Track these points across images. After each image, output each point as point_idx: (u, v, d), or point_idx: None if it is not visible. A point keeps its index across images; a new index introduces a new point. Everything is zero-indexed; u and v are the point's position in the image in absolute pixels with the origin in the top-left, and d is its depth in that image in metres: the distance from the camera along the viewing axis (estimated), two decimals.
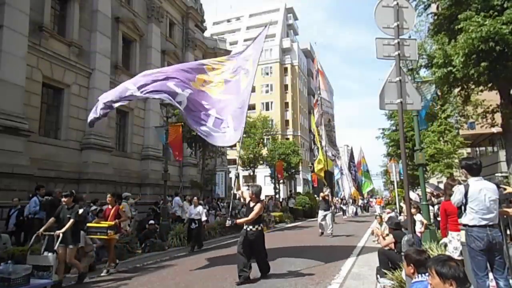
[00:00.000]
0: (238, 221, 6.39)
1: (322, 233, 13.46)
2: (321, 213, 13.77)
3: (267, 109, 49.36)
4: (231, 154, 34.12)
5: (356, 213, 30.45)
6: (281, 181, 29.91)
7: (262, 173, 38.54)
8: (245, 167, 29.75)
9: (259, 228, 6.31)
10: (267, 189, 38.74)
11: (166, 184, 12.59)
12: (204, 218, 10.60)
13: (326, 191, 14.68)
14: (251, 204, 6.35)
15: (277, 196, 28.53)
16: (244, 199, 6.88)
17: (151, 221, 11.41)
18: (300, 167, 32.09)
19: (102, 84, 15.44)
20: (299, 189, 41.13)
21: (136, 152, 18.55)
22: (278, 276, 6.49)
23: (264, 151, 30.05)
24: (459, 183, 4.88)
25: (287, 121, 50.57)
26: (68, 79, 14.24)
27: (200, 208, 10.48)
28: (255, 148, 28.23)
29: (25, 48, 11.89)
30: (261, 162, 29.56)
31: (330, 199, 14.65)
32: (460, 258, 4.62)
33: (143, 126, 19.02)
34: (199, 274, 6.80)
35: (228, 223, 6.94)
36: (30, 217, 9.14)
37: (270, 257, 8.56)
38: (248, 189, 6.62)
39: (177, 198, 15.05)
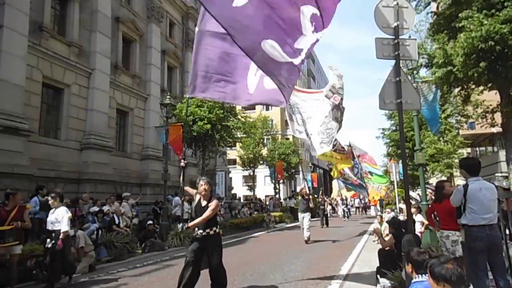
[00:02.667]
0: (191, 224, 4.99)
1: (308, 239, 11.30)
2: (300, 216, 11.64)
3: (267, 109, 49.30)
4: (231, 154, 34.16)
5: (348, 215, 26.86)
6: (281, 181, 29.89)
7: (262, 173, 38.55)
8: (245, 167, 29.79)
9: (216, 230, 5.00)
10: (267, 189, 38.78)
11: (166, 184, 12.59)
12: (65, 227, 6.00)
13: (305, 186, 13.37)
14: (203, 203, 4.97)
15: (277, 196, 28.54)
16: (190, 196, 5.16)
17: (150, 222, 11.42)
18: (300, 167, 32.05)
19: (102, 84, 15.45)
20: (299, 189, 41.14)
21: (136, 152, 18.55)
22: (278, 276, 6.49)
23: (264, 151, 30.09)
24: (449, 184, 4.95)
25: (287, 121, 50.54)
26: (68, 79, 14.24)
27: (61, 211, 6.10)
28: (255, 148, 28.27)
29: (25, 48, 11.89)
30: (261, 162, 29.59)
31: (310, 197, 12.10)
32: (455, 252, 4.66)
33: (143, 126, 19.03)
34: None
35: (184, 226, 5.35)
36: (30, 217, 9.13)
37: (270, 257, 8.58)
38: (200, 182, 5.03)
39: (177, 198, 15.05)
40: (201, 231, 4.87)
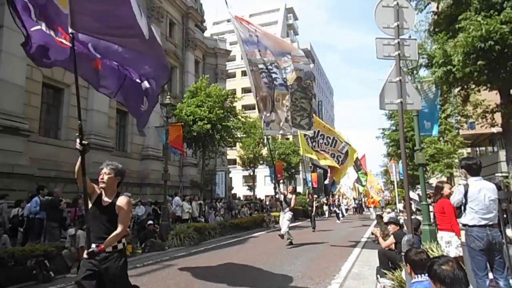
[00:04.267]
0: (103, 246, 3.08)
1: (291, 242, 10.57)
2: (282, 215, 10.87)
3: None
4: (231, 154, 34.16)
5: (340, 216, 24.29)
6: (281, 181, 29.89)
7: (262, 173, 38.53)
8: (245, 167, 29.79)
9: (121, 247, 3.25)
10: (267, 189, 38.76)
11: (166, 184, 12.59)
12: None
13: (290, 187, 12.29)
14: (105, 201, 3.28)
15: (277, 196, 28.52)
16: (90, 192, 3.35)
17: (150, 222, 11.43)
18: (300, 167, 31.99)
19: None
20: (299, 189, 41.16)
21: (136, 152, 18.56)
22: (278, 276, 6.49)
23: (264, 151, 30.08)
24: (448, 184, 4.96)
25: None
26: (68, 79, 14.24)
27: None
28: (255, 148, 28.26)
29: None
30: (261, 162, 29.59)
31: (293, 197, 11.05)
32: (456, 253, 4.66)
33: None
34: (199, 274, 6.80)
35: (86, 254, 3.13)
36: (30, 217, 9.16)
37: (270, 256, 8.57)
38: (103, 170, 3.40)
39: (177, 198, 15.07)
40: (94, 245, 3.11)
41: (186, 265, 7.87)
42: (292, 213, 10.84)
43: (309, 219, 18.49)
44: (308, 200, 19.30)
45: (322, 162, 14.11)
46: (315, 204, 17.94)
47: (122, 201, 3.26)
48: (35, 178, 11.45)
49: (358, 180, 23.51)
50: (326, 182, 25.30)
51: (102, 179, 3.32)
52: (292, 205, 10.90)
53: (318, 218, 18.75)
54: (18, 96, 11.54)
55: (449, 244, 4.94)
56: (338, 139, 13.34)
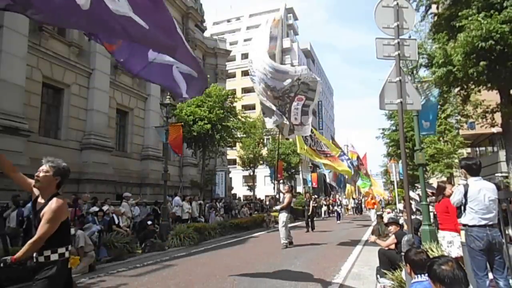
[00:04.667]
0: (16, 256, 2.59)
1: (291, 242, 10.42)
2: (279, 217, 10.74)
3: None
4: (231, 154, 34.17)
5: (339, 217, 23.64)
6: (281, 181, 29.91)
7: (262, 173, 38.53)
8: (245, 167, 29.81)
9: (55, 258, 2.71)
10: (267, 189, 38.77)
11: (166, 184, 12.59)
12: None
13: (286, 186, 12.13)
14: (39, 203, 2.84)
15: (277, 196, 28.53)
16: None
17: (149, 222, 11.44)
18: (300, 167, 31.97)
19: (102, 84, 15.44)
20: (299, 189, 41.16)
21: (136, 152, 18.55)
22: (278, 276, 6.49)
23: (264, 151, 30.09)
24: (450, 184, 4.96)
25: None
26: (68, 79, 14.25)
27: None
28: (255, 148, 28.28)
29: (25, 48, 11.89)
30: (261, 162, 29.60)
31: (287, 196, 10.87)
32: (458, 253, 4.66)
33: (143, 126, 19.03)
34: (199, 274, 6.80)
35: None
36: (31, 217, 9.14)
37: (270, 256, 8.57)
38: (42, 167, 2.89)
39: (176, 198, 15.07)
40: (39, 255, 2.70)
41: (186, 265, 7.88)
42: (286, 215, 10.48)
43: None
44: (305, 199, 19.00)
45: (338, 167, 14.11)
46: (312, 203, 17.24)
47: (50, 204, 2.72)
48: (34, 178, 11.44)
49: (354, 177, 23.11)
50: (333, 182, 25.12)
51: (38, 176, 2.84)
52: (284, 204, 10.73)
53: (315, 218, 18.62)
54: (18, 96, 11.54)
55: (451, 244, 4.95)
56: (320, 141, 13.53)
